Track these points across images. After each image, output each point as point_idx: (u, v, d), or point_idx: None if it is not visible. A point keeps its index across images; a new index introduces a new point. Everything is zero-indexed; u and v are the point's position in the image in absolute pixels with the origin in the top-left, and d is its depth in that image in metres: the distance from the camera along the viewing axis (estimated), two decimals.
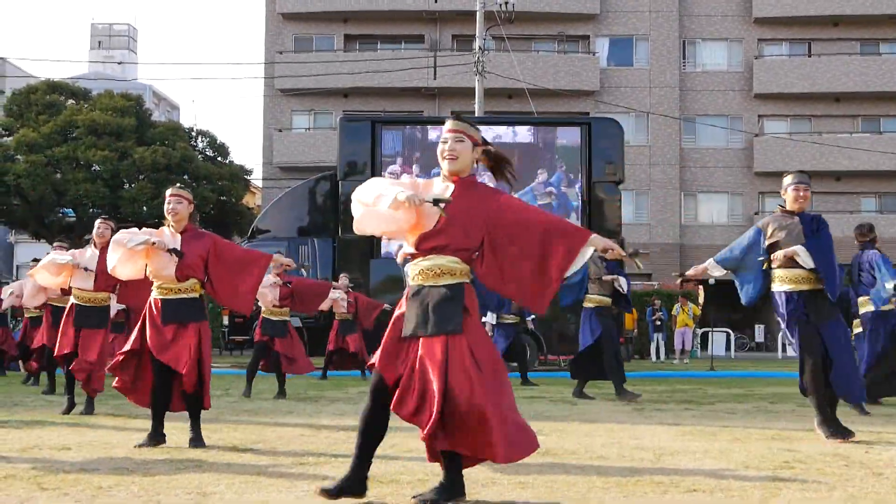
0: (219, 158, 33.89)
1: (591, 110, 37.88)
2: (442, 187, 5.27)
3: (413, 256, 5.22)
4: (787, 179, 8.27)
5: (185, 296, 7.59)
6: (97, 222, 10.43)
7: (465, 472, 5.19)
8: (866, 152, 38.36)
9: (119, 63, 50.50)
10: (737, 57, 40.52)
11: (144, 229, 7.76)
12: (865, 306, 11.55)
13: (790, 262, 8.03)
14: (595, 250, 5.21)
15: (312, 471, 6.25)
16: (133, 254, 7.48)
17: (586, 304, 12.90)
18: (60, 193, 29.30)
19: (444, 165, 5.30)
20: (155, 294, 7.62)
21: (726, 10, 40.46)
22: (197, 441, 7.42)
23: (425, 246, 5.14)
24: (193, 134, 33.68)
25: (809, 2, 39.59)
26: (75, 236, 30.46)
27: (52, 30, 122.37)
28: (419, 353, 5.02)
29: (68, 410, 10.00)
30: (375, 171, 20.49)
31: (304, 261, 20.03)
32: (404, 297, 5.24)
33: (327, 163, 31.79)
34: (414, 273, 5.20)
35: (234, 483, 5.77)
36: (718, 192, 39.97)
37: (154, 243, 7.42)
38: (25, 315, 16.26)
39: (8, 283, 17.79)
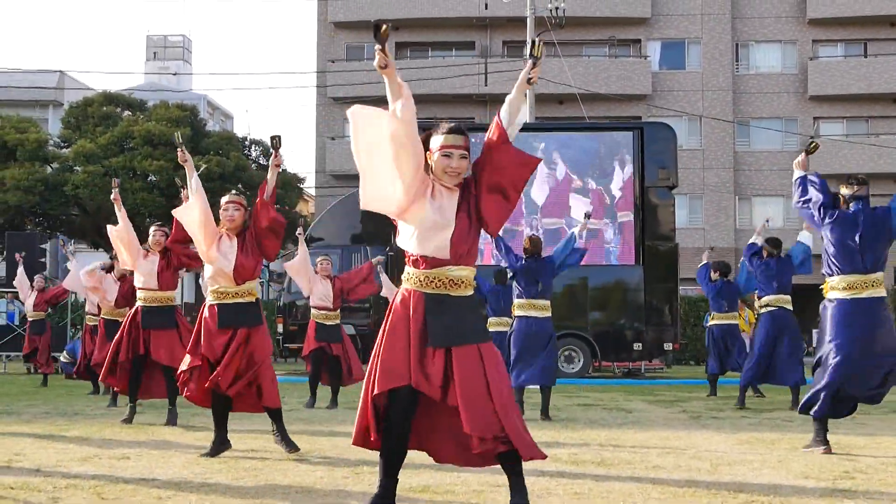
0: None
1: (643, 114, 37.69)
2: (449, 198, 5.02)
3: (429, 264, 5.02)
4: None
5: (241, 300, 7.57)
6: (152, 229, 10.62)
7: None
8: None
9: (174, 74, 51.07)
10: (791, 59, 40.10)
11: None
12: None
13: None
14: None
15: (367, 480, 6.27)
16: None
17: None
18: None
19: (446, 180, 5.03)
20: (210, 300, 7.58)
21: (780, 12, 40.06)
22: (287, 444, 7.50)
23: (453, 253, 5.01)
24: (247, 143, 33.93)
25: (865, 2, 39.09)
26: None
27: (109, 42, 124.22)
28: (453, 362, 4.89)
29: (130, 419, 10.09)
30: None
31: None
32: (415, 304, 5.01)
33: None
34: (429, 280, 5.02)
35: (289, 493, 5.80)
36: (774, 196, 39.52)
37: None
38: (87, 323, 16.10)
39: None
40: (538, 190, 20.46)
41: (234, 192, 8.03)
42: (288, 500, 5.61)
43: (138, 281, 10.40)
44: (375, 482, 5.06)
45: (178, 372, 7.78)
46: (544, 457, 4.91)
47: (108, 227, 10.48)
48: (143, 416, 11.14)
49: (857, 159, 38.23)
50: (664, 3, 40.02)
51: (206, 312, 7.57)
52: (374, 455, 7.55)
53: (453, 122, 5.26)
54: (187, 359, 7.64)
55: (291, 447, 7.48)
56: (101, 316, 13.73)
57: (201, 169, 6.56)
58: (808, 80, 39.14)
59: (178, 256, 10.27)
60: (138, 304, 10.42)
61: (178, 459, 7.36)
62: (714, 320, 14.92)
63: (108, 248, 31.58)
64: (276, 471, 6.79)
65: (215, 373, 7.36)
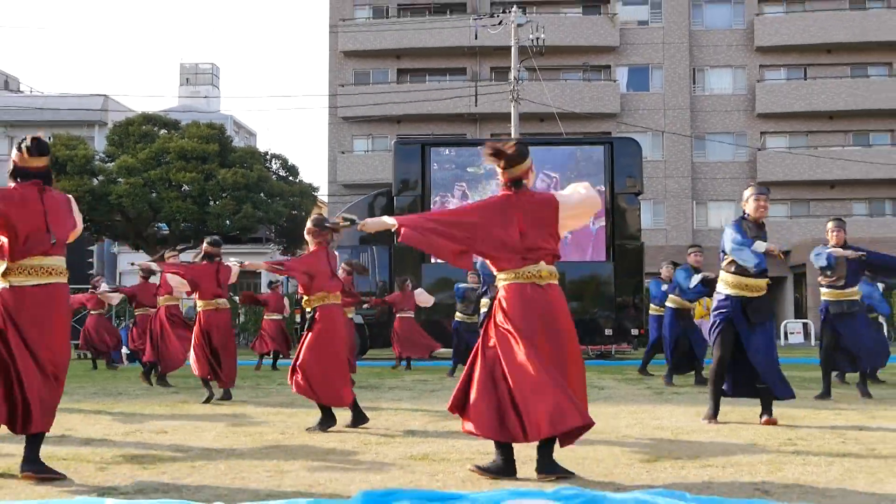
0: (290, 178, 34.11)
1: (612, 130, 37.65)
2: None
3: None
4: (748, 192, 8.04)
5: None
6: (206, 241, 10.60)
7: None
8: (857, 163, 37.85)
9: (204, 97, 50.99)
10: (741, 82, 40.11)
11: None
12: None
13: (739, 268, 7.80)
14: None
15: (374, 450, 6.28)
16: None
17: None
18: (155, 210, 29.66)
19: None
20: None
21: (731, 41, 40.07)
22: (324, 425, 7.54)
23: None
24: (268, 157, 33.90)
25: (805, 31, 39.13)
26: (169, 246, 30.91)
27: (147, 70, 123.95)
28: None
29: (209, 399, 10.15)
30: (426, 188, 20.54)
31: (365, 265, 20.08)
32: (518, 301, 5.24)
33: (384, 180, 31.88)
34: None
35: (307, 462, 5.81)
36: (726, 201, 39.49)
37: None
38: (137, 313, 15.94)
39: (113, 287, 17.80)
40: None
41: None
42: (306, 468, 5.62)
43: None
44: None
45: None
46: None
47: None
48: (178, 395, 11.16)
49: (798, 168, 38.29)
50: (630, 34, 40.02)
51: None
52: (381, 427, 7.57)
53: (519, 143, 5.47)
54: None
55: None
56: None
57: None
58: (756, 100, 39.17)
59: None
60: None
61: (209, 433, 7.37)
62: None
63: (147, 249, 31.58)
64: (294, 442, 6.80)
65: None
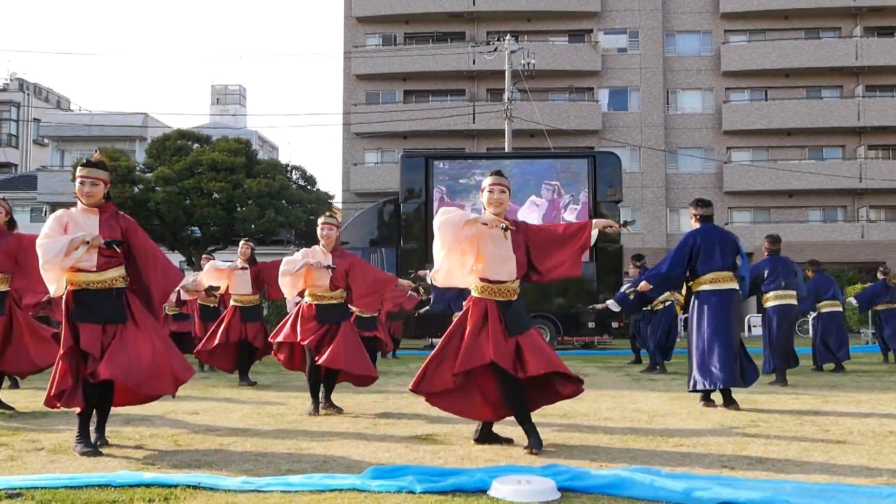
0: (308, 187, 34.08)
1: (595, 145, 37.60)
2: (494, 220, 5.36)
3: (491, 280, 5.40)
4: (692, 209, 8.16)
5: (335, 302, 7.41)
6: (241, 243, 10.50)
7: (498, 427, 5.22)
8: (812, 175, 37.81)
9: (232, 115, 50.95)
10: (709, 102, 40.04)
11: (302, 250, 7.55)
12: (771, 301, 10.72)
13: None
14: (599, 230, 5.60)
15: (382, 431, 6.26)
16: (298, 275, 7.29)
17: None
18: (189, 215, 29.64)
19: (491, 209, 5.46)
20: (308, 300, 7.40)
21: (700, 66, 40.02)
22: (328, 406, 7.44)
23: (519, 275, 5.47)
24: (289, 168, 33.84)
25: (766, 58, 39.07)
26: (201, 248, 30.89)
27: (182, 91, 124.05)
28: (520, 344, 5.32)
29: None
30: (429, 196, 20.50)
31: (377, 264, 20.05)
32: (490, 309, 5.34)
33: (392, 189, 31.86)
34: (498, 291, 5.38)
35: (323, 440, 5.80)
36: None
37: (312, 265, 7.30)
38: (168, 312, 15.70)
39: None
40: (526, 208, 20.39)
41: (328, 213, 7.87)
42: (322, 446, 5.60)
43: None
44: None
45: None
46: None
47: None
48: (208, 379, 11.14)
49: (760, 179, 38.24)
50: (611, 60, 39.96)
51: (303, 308, 7.42)
52: (389, 409, 7.55)
53: (496, 168, 5.80)
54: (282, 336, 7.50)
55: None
56: (199, 302, 13.10)
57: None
58: (723, 119, 39.12)
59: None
60: (232, 303, 10.41)
61: (237, 413, 7.35)
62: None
63: (181, 250, 31.58)
64: (313, 423, 6.78)
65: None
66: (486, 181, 5.47)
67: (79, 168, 5.45)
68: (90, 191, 5.36)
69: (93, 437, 5.35)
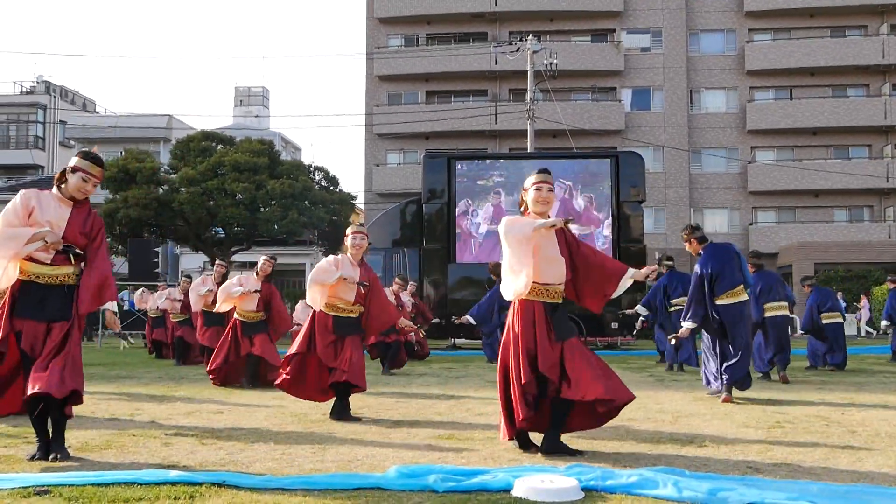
0: (331, 188, 34.15)
1: (618, 145, 37.47)
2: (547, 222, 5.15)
3: (540, 282, 5.16)
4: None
5: (353, 315, 7.23)
6: (262, 259, 10.48)
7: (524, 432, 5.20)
8: (838, 175, 37.46)
9: (256, 116, 51.22)
10: (733, 101, 39.78)
11: (331, 258, 7.29)
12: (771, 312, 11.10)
13: None
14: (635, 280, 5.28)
15: (405, 431, 6.27)
16: (324, 286, 7.08)
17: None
18: (213, 216, 29.80)
19: (537, 208, 5.24)
20: (325, 311, 7.16)
21: (724, 65, 39.77)
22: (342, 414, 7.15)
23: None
24: (312, 169, 33.92)
25: (791, 56, 38.76)
26: (225, 248, 31.06)
27: (206, 93, 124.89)
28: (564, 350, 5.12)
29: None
30: (451, 196, 20.47)
31: (398, 269, 20.04)
32: (541, 312, 5.14)
33: (414, 189, 31.91)
34: (546, 293, 5.19)
35: (346, 440, 5.81)
36: (720, 208, 39.25)
37: (345, 278, 7.13)
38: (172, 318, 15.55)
39: (174, 287, 17.37)
40: None
41: (359, 223, 7.81)
42: (345, 445, 5.62)
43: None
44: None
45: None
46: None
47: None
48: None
49: (785, 179, 37.95)
50: (634, 59, 39.80)
51: (318, 319, 7.18)
52: (411, 410, 7.55)
53: (543, 167, 5.51)
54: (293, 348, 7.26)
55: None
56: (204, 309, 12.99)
57: None
58: (747, 118, 38.84)
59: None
60: (236, 317, 10.45)
61: (259, 414, 7.38)
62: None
63: (205, 250, 31.77)
64: (336, 423, 6.80)
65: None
66: (532, 178, 5.28)
67: (87, 163, 5.05)
68: (89, 190, 5.07)
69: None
